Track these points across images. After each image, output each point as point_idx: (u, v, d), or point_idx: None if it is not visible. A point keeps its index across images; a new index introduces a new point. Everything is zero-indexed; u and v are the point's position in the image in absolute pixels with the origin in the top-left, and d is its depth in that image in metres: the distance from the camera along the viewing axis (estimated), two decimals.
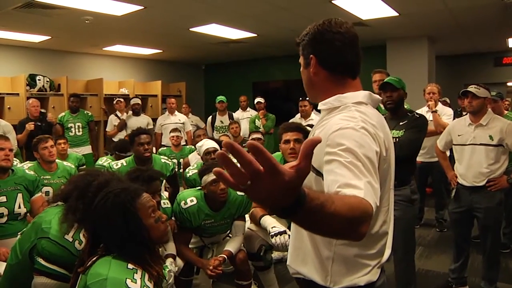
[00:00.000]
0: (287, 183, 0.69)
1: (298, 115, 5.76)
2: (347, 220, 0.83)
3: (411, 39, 6.68)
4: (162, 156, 3.87)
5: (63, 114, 5.96)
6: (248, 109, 6.87)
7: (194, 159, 4.40)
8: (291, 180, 0.69)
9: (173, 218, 2.84)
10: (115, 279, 1.33)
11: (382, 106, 2.97)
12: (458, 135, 3.09)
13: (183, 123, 6.35)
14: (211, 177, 2.69)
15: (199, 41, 6.66)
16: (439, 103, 4.48)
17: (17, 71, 6.36)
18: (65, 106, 6.36)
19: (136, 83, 7.84)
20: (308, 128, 2.97)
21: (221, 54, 8.26)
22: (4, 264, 2.03)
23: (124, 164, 3.38)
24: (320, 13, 4.50)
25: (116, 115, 6.45)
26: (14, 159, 3.14)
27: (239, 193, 2.81)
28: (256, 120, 6.41)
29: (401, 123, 2.73)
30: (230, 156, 0.68)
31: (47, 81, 6.44)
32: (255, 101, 6.59)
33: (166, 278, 2.00)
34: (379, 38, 6.59)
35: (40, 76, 6.38)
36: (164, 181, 3.72)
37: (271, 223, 2.63)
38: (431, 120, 4.00)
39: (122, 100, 6.55)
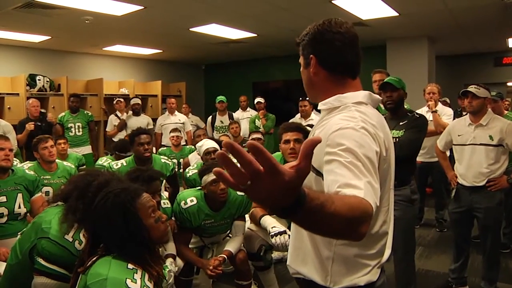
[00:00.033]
0: (287, 183, 0.69)
1: (298, 115, 5.76)
2: (347, 220, 0.83)
3: (411, 39, 6.68)
4: (162, 156, 3.87)
5: (63, 114, 5.96)
6: (248, 109, 6.87)
7: (194, 159, 4.40)
8: (291, 180, 0.69)
9: (173, 218, 2.84)
10: (115, 279, 1.33)
11: (382, 106, 2.97)
12: (458, 135, 3.09)
13: (183, 123, 6.35)
14: (211, 177, 2.69)
15: (199, 41, 6.66)
16: (439, 103, 4.49)
17: (17, 71, 6.36)
18: (65, 106, 6.36)
19: (136, 83, 7.84)
20: (308, 128, 2.97)
21: (221, 54, 8.27)
22: (4, 264, 2.03)
23: (124, 164, 3.38)
24: (320, 13, 4.50)
25: (116, 115, 6.45)
26: (14, 159, 3.14)
27: (239, 193, 2.81)
28: (256, 120, 6.41)
29: (401, 123, 2.73)
30: (230, 156, 0.68)
31: (47, 81, 6.44)
32: (255, 101, 6.59)
33: (166, 278, 2.00)
34: (379, 38, 6.59)
35: (40, 76, 6.38)
36: (164, 181, 3.72)
37: (271, 223, 2.63)
38: (431, 120, 4.00)
39: (122, 100, 6.55)
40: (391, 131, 2.55)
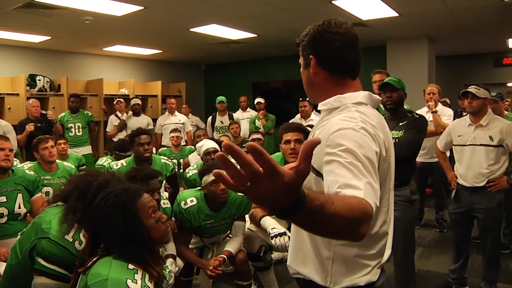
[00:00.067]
0: (287, 184, 0.69)
1: (298, 116, 5.76)
2: (347, 221, 0.83)
3: (411, 39, 6.68)
4: (162, 157, 3.88)
5: (63, 114, 5.96)
6: (248, 109, 6.87)
7: (194, 160, 4.40)
8: (290, 181, 0.69)
9: (173, 218, 2.84)
10: (116, 279, 1.33)
11: (382, 106, 2.97)
12: (458, 136, 3.09)
13: (183, 124, 6.35)
14: (211, 177, 2.69)
15: (199, 41, 6.66)
16: (439, 103, 4.49)
17: (17, 71, 6.36)
18: (65, 106, 6.36)
19: (136, 83, 7.84)
20: (308, 128, 2.97)
21: (221, 54, 8.27)
22: (4, 264, 2.03)
23: (124, 164, 3.39)
24: (320, 14, 4.50)
25: (116, 115, 6.45)
26: (14, 159, 3.14)
27: (239, 193, 2.81)
28: (256, 120, 6.41)
29: (400, 124, 2.73)
30: (230, 157, 0.68)
31: (47, 81, 6.44)
32: (255, 101, 6.59)
33: (167, 279, 2.00)
34: (379, 38, 6.59)
35: (40, 76, 6.38)
36: (164, 181, 3.72)
37: (271, 224, 2.63)
38: (431, 121, 4.00)
39: (122, 100, 6.55)
40: (391, 131, 2.55)
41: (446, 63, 8.34)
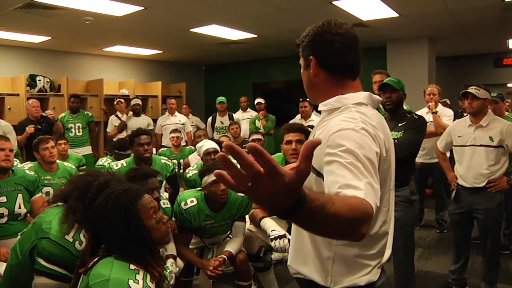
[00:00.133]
0: (288, 185, 0.69)
1: (298, 116, 5.76)
2: (348, 221, 0.84)
3: (411, 40, 6.68)
4: (162, 157, 3.88)
5: (63, 114, 5.96)
6: (248, 109, 6.87)
7: (194, 160, 4.41)
8: (291, 182, 0.69)
9: (173, 218, 2.84)
10: (117, 279, 1.34)
11: (381, 107, 2.97)
12: (458, 136, 3.09)
13: (183, 124, 6.35)
14: (211, 178, 2.69)
15: (200, 41, 6.67)
16: (439, 104, 4.49)
17: (18, 72, 6.37)
18: (65, 106, 6.36)
19: (136, 83, 7.84)
20: (309, 129, 2.97)
21: (222, 54, 8.27)
22: (4, 264, 2.03)
23: (124, 164, 3.39)
24: (320, 14, 4.52)
25: (117, 116, 6.46)
26: (15, 159, 3.14)
27: (239, 194, 2.81)
28: (256, 121, 6.41)
29: (400, 124, 2.72)
30: (230, 157, 0.68)
31: (47, 82, 6.44)
32: (255, 101, 6.59)
33: (168, 279, 2.00)
34: (379, 39, 6.59)
35: (40, 77, 6.38)
36: (164, 182, 3.72)
37: (271, 226, 2.62)
38: (431, 121, 4.00)
39: (122, 100, 6.55)
40: (390, 132, 2.55)
41: (446, 63, 8.34)
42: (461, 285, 3.23)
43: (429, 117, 4.02)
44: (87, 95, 6.99)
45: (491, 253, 3.04)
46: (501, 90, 6.92)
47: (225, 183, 0.70)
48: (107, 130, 6.52)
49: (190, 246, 2.93)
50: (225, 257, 2.70)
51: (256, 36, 6.41)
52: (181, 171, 4.60)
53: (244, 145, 5.01)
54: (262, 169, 0.67)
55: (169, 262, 2.46)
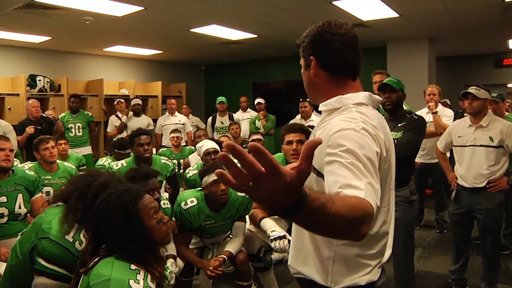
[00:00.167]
0: (288, 184, 0.69)
1: (298, 116, 5.76)
2: (348, 221, 0.84)
3: (411, 40, 6.68)
4: (162, 157, 3.88)
5: (63, 114, 5.97)
6: (249, 110, 6.87)
7: (194, 160, 4.41)
8: (292, 181, 0.69)
9: (173, 218, 2.84)
10: (118, 279, 1.34)
11: (381, 107, 2.97)
12: (458, 137, 3.09)
13: (183, 124, 6.35)
14: (211, 178, 2.69)
15: (200, 41, 6.67)
16: (439, 104, 4.49)
17: (18, 72, 6.37)
18: (66, 106, 6.36)
19: (136, 83, 7.84)
20: (309, 129, 2.97)
21: (222, 55, 8.27)
22: (4, 264, 2.03)
23: (124, 164, 3.39)
24: (321, 14, 4.53)
25: (117, 116, 6.46)
26: (15, 159, 3.14)
27: (239, 194, 2.81)
28: (256, 121, 6.41)
29: (399, 125, 2.72)
30: (231, 157, 0.68)
31: (47, 82, 6.44)
32: (255, 102, 6.60)
33: (168, 279, 2.00)
34: (379, 39, 6.59)
35: (40, 77, 6.38)
36: (164, 182, 3.72)
37: (271, 226, 2.62)
38: (431, 122, 4.00)
39: (123, 100, 6.55)
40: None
41: (446, 64, 8.35)
42: (461, 285, 3.23)
43: (429, 117, 4.02)
44: (87, 95, 6.99)
45: (491, 253, 3.04)
46: (501, 90, 6.93)
47: (226, 182, 0.70)
48: (107, 130, 6.52)
49: (190, 246, 2.93)
50: (225, 257, 2.70)
51: (256, 36, 6.41)
52: (181, 171, 4.60)
53: (244, 145, 5.01)
54: (263, 168, 0.67)
55: (169, 262, 2.46)
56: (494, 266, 3.07)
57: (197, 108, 8.92)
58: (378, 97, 1.31)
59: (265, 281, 3.03)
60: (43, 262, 1.68)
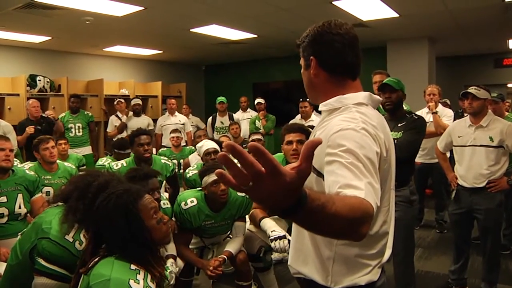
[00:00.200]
0: (289, 184, 0.69)
1: (298, 116, 5.76)
2: (348, 221, 0.84)
3: (411, 40, 6.68)
4: (162, 157, 3.88)
5: (63, 114, 5.97)
6: (249, 110, 6.87)
7: (194, 160, 4.41)
8: (292, 181, 0.69)
9: (173, 218, 2.85)
10: (118, 279, 1.34)
11: (381, 107, 2.97)
12: (458, 137, 3.09)
13: (183, 124, 6.35)
14: (211, 178, 2.69)
15: (200, 41, 6.67)
16: (439, 104, 4.49)
17: (18, 72, 6.37)
18: (66, 106, 6.36)
19: (136, 83, 7.84)
20: (309, 129, 2.97)
21: (222, 55, 8.27)
22: (4, 264, 2.03)
23: (124, 164, 3.39)
24: (321, 14, 4.53)
25: (117, 116, 6.46)
26: (15, 159, 3.14)
27: (239, 194, 2.81)
28: (256, 121, 6.41)
29: (399, 125, 2.72)
30: (231, 157, 0.68)
31: (47, 82, 6.44)
32: (255, 102, 6.60)
33: (168, 279, 2.00)
34: (379, 39, 6.59)
35: (40, 77, 6.38)
36: (164, 182, 3.72)
37: (271, 226, 2.62)
38: (431, 122, 4.00)
39: (123, 100, 6.55)
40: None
41: (446, 64, 8.35)
42: (461, 285, 3.23)
43: (429, 117, 4.02)
44: (87, 95, 6.99)
45: (491, 254, 3.04)
46: (501, 90, 6.93)
47: (226, 182, 0.70)
48: (107, 130, 6.52)
49: (190, 246, 2.93)
50: (225, 257, 2.70)
51: (256, 36, 6.41)
52: (181, 171, 4.60)
53: (244, 145, 5.01)
54: (263, 168, 0.67)
55: (169, 262, 2.46)
56: (494, 266, 3.07)
57: (197, 108, 8.92)
58: (378, 97, 1.31)
59: (265, 281, 3.03)
60: (43, 262, 1.68)
